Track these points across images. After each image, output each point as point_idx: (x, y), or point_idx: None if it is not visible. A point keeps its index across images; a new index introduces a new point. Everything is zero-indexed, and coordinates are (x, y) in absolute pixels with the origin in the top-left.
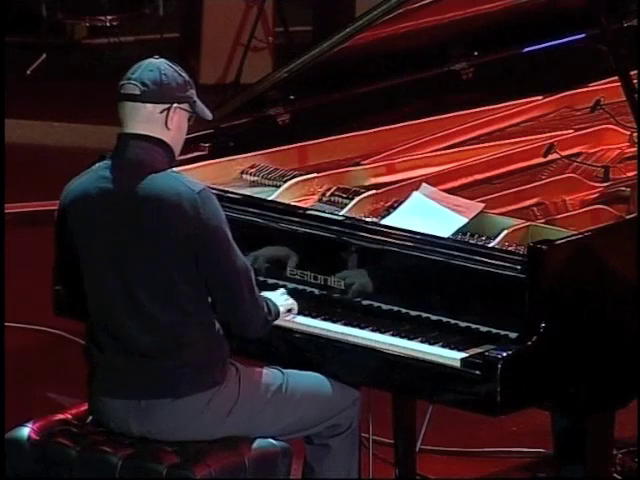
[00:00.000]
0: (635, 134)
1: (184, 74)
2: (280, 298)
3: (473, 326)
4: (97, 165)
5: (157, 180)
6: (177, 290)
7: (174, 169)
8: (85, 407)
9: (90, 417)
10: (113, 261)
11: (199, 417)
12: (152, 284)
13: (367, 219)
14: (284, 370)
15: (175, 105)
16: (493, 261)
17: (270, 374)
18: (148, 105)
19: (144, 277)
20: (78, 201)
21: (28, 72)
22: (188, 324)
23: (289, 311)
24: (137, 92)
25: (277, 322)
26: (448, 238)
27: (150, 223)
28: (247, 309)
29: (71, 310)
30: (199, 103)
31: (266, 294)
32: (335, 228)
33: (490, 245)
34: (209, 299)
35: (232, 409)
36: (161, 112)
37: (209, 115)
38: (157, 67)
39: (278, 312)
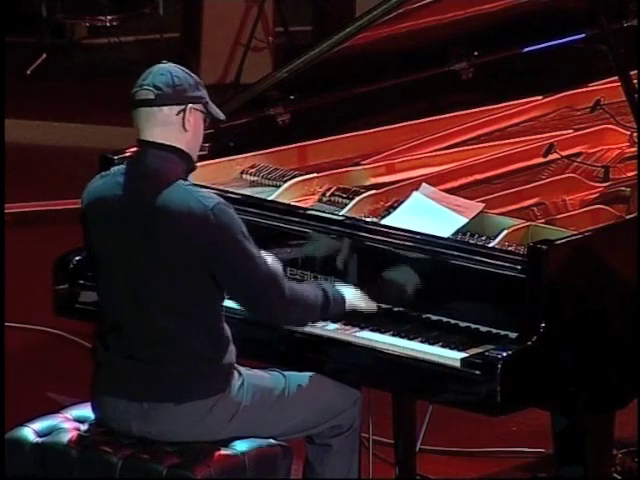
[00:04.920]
0: (635, 134)
1: (194, 75)
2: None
3: (473, 326)
4: (115, 169)
5: (171, 193)
6: (185, 299)
7: (190, 180)
8: (85, 407)
9: (92, 416)
10: (123, 266)
11: (201, 422)
12: (160, 292)
13: (367, 219)
14: (285, 373)
15: (190, 106)
16: (493, 261)
17: (272, 378)
18: (164, 108)
19: (153, 285)
20: (94, 204)
21: (28, 72)
22: (195, 332)
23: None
24: (152, 96)
25: None
26: (448, 238)
27: (160, 235)
28: (281, 313)
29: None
30: (211, 103)
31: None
32: (335, 228)
33: (490, 245)
34: (219, 308)
35: (234, 415)
36: (177, 114)
37: (222, 115)
38: (168, 70)
39: (342, 299)
